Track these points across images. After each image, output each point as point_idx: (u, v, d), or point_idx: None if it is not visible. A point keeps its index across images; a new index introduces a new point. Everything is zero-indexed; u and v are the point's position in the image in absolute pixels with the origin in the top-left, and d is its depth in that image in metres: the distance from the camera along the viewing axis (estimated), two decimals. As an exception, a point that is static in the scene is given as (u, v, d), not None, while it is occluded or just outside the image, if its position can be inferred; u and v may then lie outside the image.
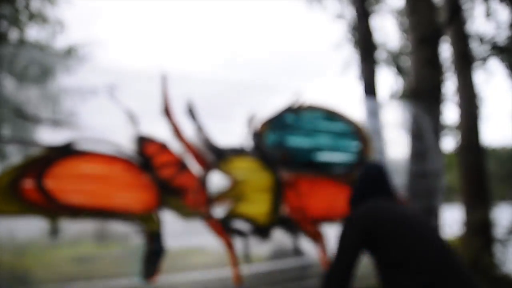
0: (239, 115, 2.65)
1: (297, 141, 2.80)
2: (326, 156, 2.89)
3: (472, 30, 7.23)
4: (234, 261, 2.39)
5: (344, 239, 1.53)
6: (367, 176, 1.76)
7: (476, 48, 7.30)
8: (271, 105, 2.76)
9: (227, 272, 2.38)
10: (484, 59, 7.36)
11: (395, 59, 9.56)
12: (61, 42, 9.92)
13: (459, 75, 5.76)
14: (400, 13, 8.68)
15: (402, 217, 1.53)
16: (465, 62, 5.80)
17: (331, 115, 2.97)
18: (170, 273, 2.19)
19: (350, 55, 9.75)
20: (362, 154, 3.03)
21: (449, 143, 8.76)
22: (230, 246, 2.41)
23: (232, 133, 2.60)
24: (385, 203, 1.61)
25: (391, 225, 1.48)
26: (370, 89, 5.09)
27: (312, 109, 2.90)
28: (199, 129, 2.45)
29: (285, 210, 2.67)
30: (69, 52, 9.27)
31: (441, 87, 4.10)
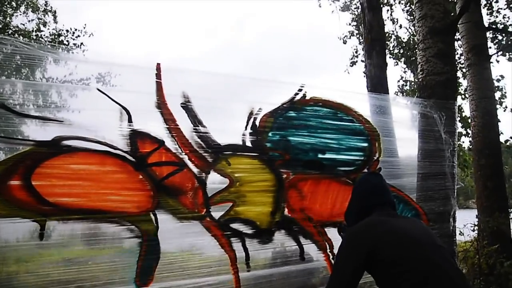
0: (239, 111, 2.64)
1: (300, 139, 2.78)
2: (331, 155, 2.87)
3: (490, 21, 7.21)
4: (234, 265, 2.38)
5: (343, 260, 1.49)
6: (365, 187, 1.77)
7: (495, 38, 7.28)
8: (273, 101, 2.74)
9: (226, 277, 2.37)
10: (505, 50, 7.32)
11: (405, 52, 9.55)
12: (50, 31, 9.94)
13: (474, 68, 5.74)
14: (411, 2, 8.66)
15: (404, 237, 1.50)
16: (481, 55, 5.77)
17: (337, 112, 2.96)
18: (166, 278, 2.18)
19: (357, 49, 9.77)
20: (370, 153, 3.02)
21: (465, 141, 8.76)
22: (229, 249, 2.40)
23: (231, 130, 2.58)
24: (386, 220, 1.57)
25: (393, 246, 1.45)
26: (378, 84, 5.07)
27: (316, 105, 2.89)
28: (197, 125, 2.43)
29: (287, 211, 2.66)
30: (59, 42, 9.25)
31: (455, 82, 4.08)
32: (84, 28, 9.85)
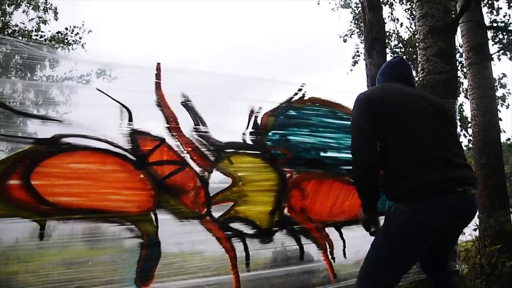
0: (240, 110, 2.63)
1: (302, 137, 2.77)
2: (333, 154, 2.86)
3: (491, 19, 7.20)
4: (234, 265, 2.38)
5: (359, 120, 1.84)
6: (390, 65, 2.13)
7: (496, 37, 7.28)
8: (273, 101, 2.74)
9: (226, 277, 2.36)
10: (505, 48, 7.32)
11: (406, 51, 9.55)
12: (51, 32, 9.94)
13: (475, 67, 5.73)
14: (411, 2, 8.66)
15: (406, 100, 1.88)
16: (481, 54, 5.76)
17: (338, 111, 2.95)
18: (166, 278, 2.17)
19: (358, 48, 9.76)
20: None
21: (466, 141, 8.76)
22: (230, 249, 2.39)
23: (232, 129, 2.58)
24: (394, 85, 1.95)
25: (393, 107, 1.83)
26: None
27: (318, 104, 2.88)
28: (198, 124, 2.42)
29: (289, 211, 2.64)
30: (58, 40, 9.26)
31: (455, 81, 4.07)
32: (83, 25, 9.88)
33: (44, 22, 10.40)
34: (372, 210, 1.90)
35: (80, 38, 9.70)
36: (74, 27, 9.77)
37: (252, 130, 2.61)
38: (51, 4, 10.54)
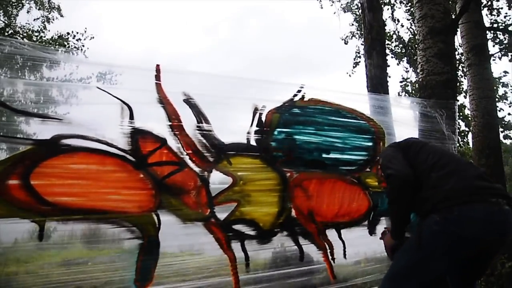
0: (242, 110, 2.62)
1: (304, 138, 2.76)
2: (336, 154, 2.85)
3: (491, 20, 7.20)
4: (235, 266, 2.36)
5: (390, 154, 2.00)
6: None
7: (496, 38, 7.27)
8: (275, 101, 2.72)
9: (227, 278, 2.35)
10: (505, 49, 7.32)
11: (407, 51, 9.55)
12: (53, 33, 9.96)
13: (474, 68, 5.72)
14: (411, 2, 8.66)
15: (423, 142, 2.12)
16: (481, 55, 5.76)
17: (341, 111, 2.94)
18: (165, 279, 2.16)
19: (359, 49, 9.76)
20: (374, 152, 3.00)
21: (467, 142, 8.76)
22: (231, 250, 2.37)
23: (234, 129, 2.56)
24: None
25: (418, 145, 2.04)
26: (378, 85, 5.06)
27: (320, 104, 2.87)
28: (201, 122, 2.40)
29: (291, 212, 2.63)
30: (60, 44, 9.28)
31: (455, 82, 4.06)
32: (85, 31, 9.90)
33: (49, 20, 10.43)
34: (402, 236, 1.91)
35: (83, 45, 9.73)
36: (76, 32, 9.79)
37: (257, 128, 2.59)
38: (54, 3, 10.58)
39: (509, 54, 7.94)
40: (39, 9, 10.35)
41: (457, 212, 1.68)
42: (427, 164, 1.88)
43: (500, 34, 7.95)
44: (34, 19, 10.22)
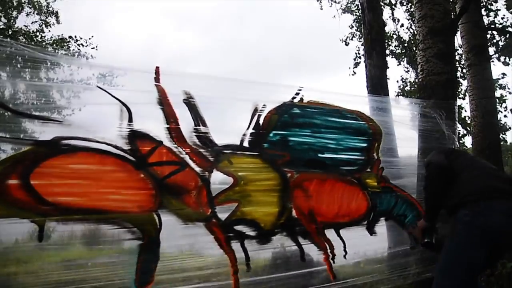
0: (241, 111, 2.62)
1: (303, 138, 2.76)
2: (334, 155, 2.85)
3: (489, 21, 7.19)
4: (235, 267, 2.36)
5: (436, 155, 2.30)
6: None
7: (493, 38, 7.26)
8: (274, 102, 2.73)
9: (227, 279, 2.35)
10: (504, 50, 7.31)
11: (405, 52, 9.54)
12: (53, 35, 9.96)
13: (474, 69, 5.72)
14: (411, 3, 8.66)
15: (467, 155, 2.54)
16: (481, 55, 5.75)
17: (339, 112, 2.94)
18: (165, 279, 2.16)
19: (359, 50, 9.77)
20: (372, 153, 3.01)
21: (467, 142, 8.74)
22: (231, 251, 2.37)
23: (233, 130, 2.57)
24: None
25: (458, 153, 2.42)
26: (378, 85, 5.06)
27: (319, 105, 2.87)
28: (199, 124, 2.41)
29: (292, 212, 2.63)
30: (62, 47, 9.28)
31: (455, 82, 4.06)
32: (90, 39, 9.86)
33: (47, 24, 10.43)
34: (434, 218, 2.25)
35: (86, 52, 9.70)
36: (80, 37, 9.75)
37: (253, 130, 2.59)
38: (53, 8, 10.57)
39: (503, 57, 7.92)
40: (37, 14, 10.35)
41: (482, 206, 1.99)
42: (461, 165, 2.21)
43: (496, 35, 7.95)
44: (32, 22, 10.22)
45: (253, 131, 2.59)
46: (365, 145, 3.00)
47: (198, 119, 2.41)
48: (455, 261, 2.01)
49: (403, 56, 9.64)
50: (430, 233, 2.26)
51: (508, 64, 8.07)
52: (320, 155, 2.82)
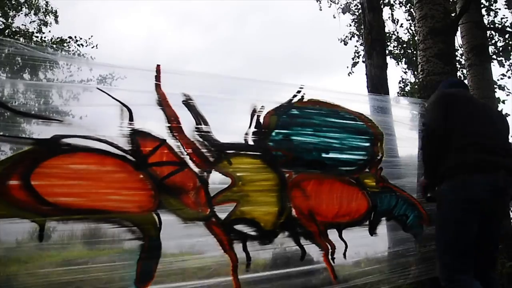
0: (241, 111, 2.62)
1: (303, 138, 2.76)
2: (333, 154, 2.85)
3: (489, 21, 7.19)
4: (235, 267, 2.36)
5: (433, 112, 2.25)
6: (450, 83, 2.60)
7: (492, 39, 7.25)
8: (275, 102, 2.73)
9: (227, 278, 2.35)
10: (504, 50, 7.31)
11: (405, 53, 9.54)
12: (52, 35, 9.95)
13: (475, 69, 5.72)
14: (411, 3, 8.66)
15: (468, 100, 2.34)
16: (481, 55, 5.75)
17: (340, 111, 2.94)
18: (165, 279, 2.16)
19: (358, 49, 9.77)
20: (373, 153, 3.01)
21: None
22: (231, 250, 2.37)
23: (233, 129, 2.57)
24: (462, 90, 2.44)
25: (458, 103, 2.25)
26: (378, 85, 5.06)
27: (319, 105, 2.87)
28: (200, 124, 2.41)
29: (292, 211, 2.63)
30: (61, 45, 9.28)
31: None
32: (90, 39, 9.86)
33: (46, 24, 10.43)
34: (433, 177, 2.27)
35: (86, 53, 9.70)
36: (80, 38, 9.75)
37: (255, 129, 2.59)
38: (52, 7, 10.57)
39: (500, 58, 7.91)
40: (35, 14, 10.35)
41: (462, 180, 2.07)
42: (455, 124, 2.17)
43: (495, 36, 7.95)
44: (30, 22, 10.23)
45: (255, 129, 2.59)
46: (368, 144, 3.00)
47: (199, 117, 2.41)
48: (447, 238, 2.11)
49: (401, 57, 9.64)
50: (432, 188, 2.38)
51: (503, 66, 8.07)
52: (325, 154, 2.82)
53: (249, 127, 2.58)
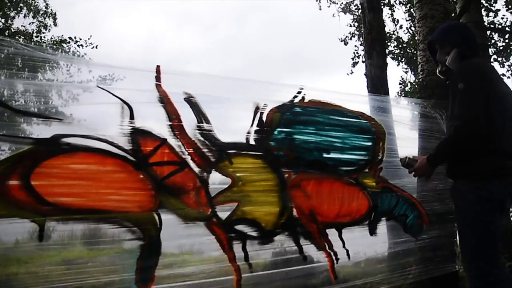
0: (241, 111, 2.62)
1: (305, 137, 2.76)
2: (335, 154, 2.85)
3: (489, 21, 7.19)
4: (235, 267, 2.36)
5: (471, 88, 1.88)
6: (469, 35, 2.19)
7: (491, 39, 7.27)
8: (275, 102, 2.73)
9: (227, 279, 2.35)
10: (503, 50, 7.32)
11: (405, 53, 9.55)
12: (52, 35, 9.95)
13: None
14: (411, 3, 8.67)
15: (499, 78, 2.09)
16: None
17: (341, 111, 2.95)
18: (166, 279, 2.16)
19: (358, 49, 9.78)
20: (375, 152, 3.01)
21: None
22: (231, 250, 2.37)
23: (234, 129, 2.57)
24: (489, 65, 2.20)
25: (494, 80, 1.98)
26: (378, 85, 5.06)
27: (320, 105, 2.87)
28: (202, 122, 2.40)
29: (293, 211, 2.63)
30: (60, 48, 9.28)
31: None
32: (89, 39, 9.86)
33: (45, 26, 10.44)
34: (436, 166, 2.12)
35: (85, 53, 9.70)
36: (79, 38, 9.75)
37: (257, 128, 2.59)
38: (51, 9, 10.57)
39: (500, 58, 7.92)
40: (33, 17, 10.36)
41: (485, 183, 1.90)
42: (498, 119, 1.89)
43: (495, 35, 7.96)
44: (29, 23, 10.23)
45: (258, 127, 2.59)
46: (370, 143, 3.00)
47: (200, 116, 2.40)
48: (479, 240, 1.93)
49: (401, 57, 9.66)
50: (431, 175, 2.21)
51: (503, 66, 8.09)
52: (326, 154, 2.82)
53: (251, 125, 2.58)
